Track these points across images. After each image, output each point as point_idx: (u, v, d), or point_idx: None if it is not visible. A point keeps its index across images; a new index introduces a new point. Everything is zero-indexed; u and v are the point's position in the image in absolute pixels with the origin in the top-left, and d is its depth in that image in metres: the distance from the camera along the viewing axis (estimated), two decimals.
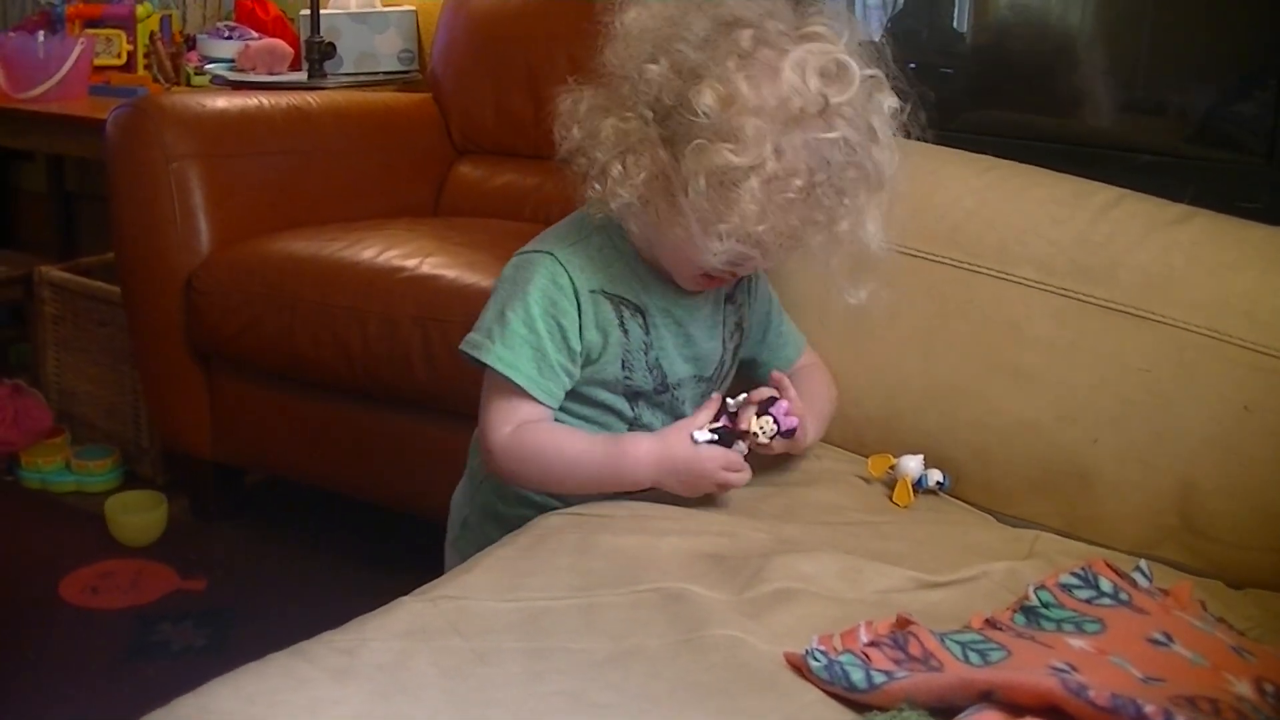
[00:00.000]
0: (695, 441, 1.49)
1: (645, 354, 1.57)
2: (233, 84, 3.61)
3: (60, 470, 3.21)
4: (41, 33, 3.82)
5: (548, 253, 1.54)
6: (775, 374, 1.58)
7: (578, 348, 1.53)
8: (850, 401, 1.76)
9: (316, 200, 3.02)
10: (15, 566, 2.80)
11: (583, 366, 1.55)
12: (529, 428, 1.53)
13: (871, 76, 1.41)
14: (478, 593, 1.31)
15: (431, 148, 3.36)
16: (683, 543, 1.43)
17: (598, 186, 1.45)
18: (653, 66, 1.40)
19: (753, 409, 1.53)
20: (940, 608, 1.35)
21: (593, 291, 1.53)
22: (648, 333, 1.57)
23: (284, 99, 3.10)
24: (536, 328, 1.51)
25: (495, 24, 3.35)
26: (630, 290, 1.55)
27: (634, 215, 1.46)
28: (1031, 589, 1.36)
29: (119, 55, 3.94)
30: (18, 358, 3.80)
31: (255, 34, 3.91)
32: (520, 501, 1.63)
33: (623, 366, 1.57)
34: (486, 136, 3.35)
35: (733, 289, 1.64)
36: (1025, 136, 2.18)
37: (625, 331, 1.55)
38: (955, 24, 2.48)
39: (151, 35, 3.91)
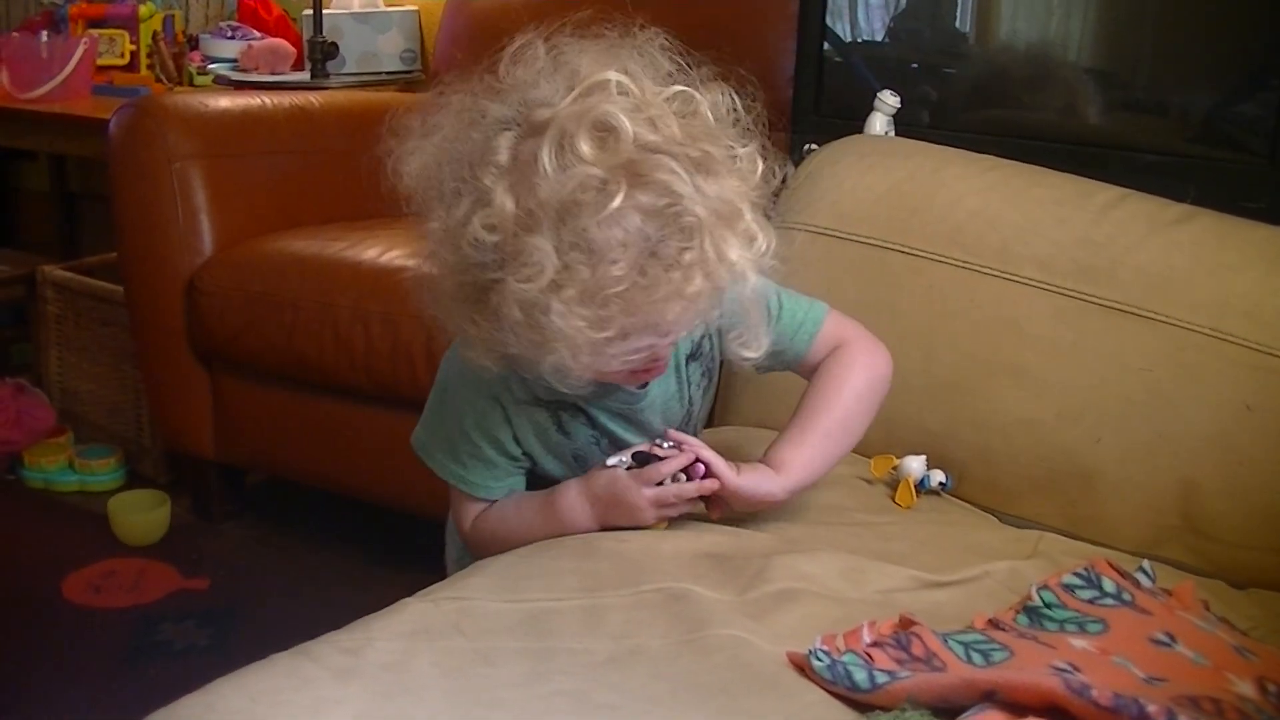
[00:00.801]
0: (607, 466, 1.44)
1: (597, 444, 1.50)
2: (235, 84, 3.61)
3: (63, 470, 3.22)
4: (44, 32, 3.82)
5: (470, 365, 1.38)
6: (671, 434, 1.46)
7: (518, 452, 1.50)
8: None
9: (319, 200, 3.02)
10: (18, 566, 2.81)
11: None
12: (483, 516, 1.54)
13: (675, 95, 1.27)
14: (480, 593, 1.31)
15: None
16: (685, 543, 1.44)
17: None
18: (433, 224, 1.29)
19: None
20: (943, 608, 1.35)
21: (521, 403, 1.46)
22: (593, 427, 1.49)
23: (286, 99, 3.10)
24: (473, 439, 1.48)
25: (498, 24, 3.33)
26: (562, 393, 1.37)
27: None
28: (1034, 589, 1.36)
29: (122, 55, 3.95)
30: (20, 357, 3.81)
31: (258, 34, 3.91)
32: None
33: (575, 460, 1.51)
34: None
35: (696, 345, 1.51)
36: (1027, 136, 2.18)
37: (566, 434, 1.49)
38: (957, 24, 2.48)
39: (154, 35, 3.92)
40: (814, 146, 2.07)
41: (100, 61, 3.85)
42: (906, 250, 1.79)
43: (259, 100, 3.06)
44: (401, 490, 2.60)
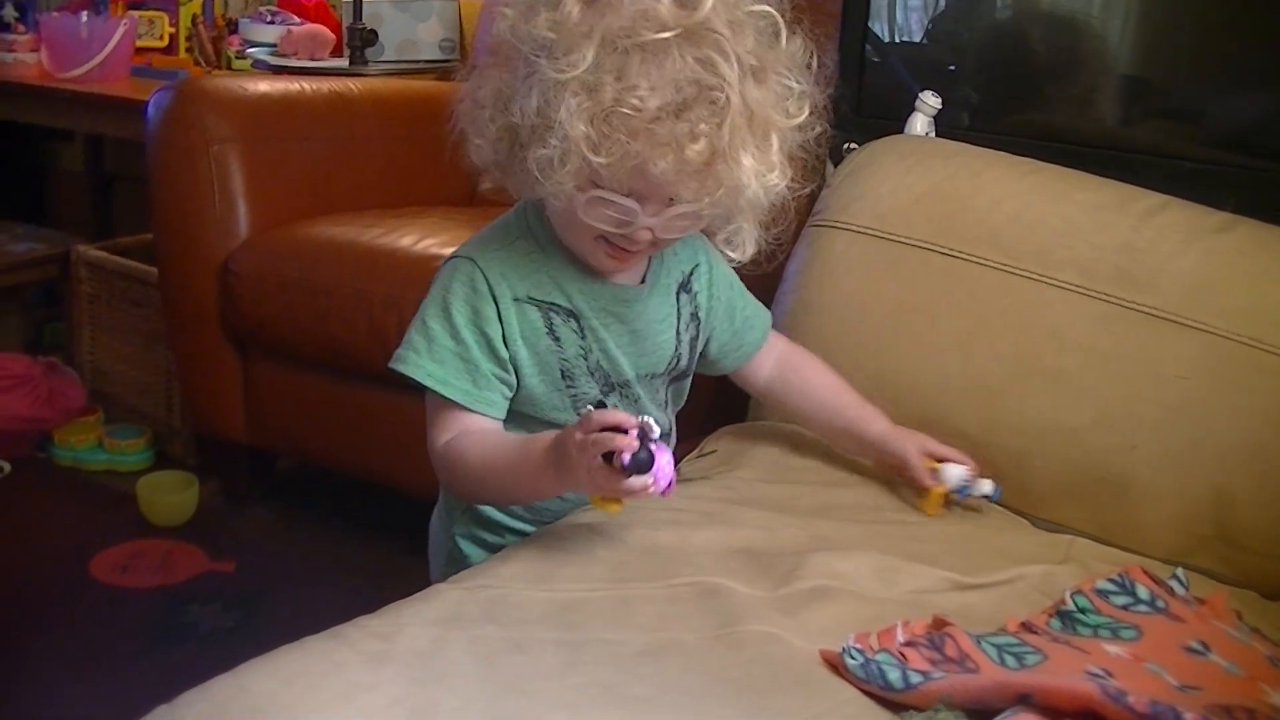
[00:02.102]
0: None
1: (585, 359, 1.48)
2: (274, 69, 3.62)
3: (93, 449, 3.22)
4: (84, 13, 3.83)
5: (468, 258, 1.45)
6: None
7: (505, 356, 1.45)
8: (888, 401, 1.76)
9: (355, 187, 3.03)
10: (47, 544, 2.81)
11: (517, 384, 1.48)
12: (461, 438, 1.45)
13: (763, 14, 1.33)
14: (514, 582, 1.31)
15: None
16: (718, 537, 1.44)
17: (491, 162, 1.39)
18: (502, 25, 1.34)
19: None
20: (975, 610, 1.35)
21: (516, 300, 1.44)
22: (583, 337, 1.47)
23: (325, 85, 3.10)
24: (462, 338, 1.44)
25: None
26: (559, 294, 1.45)
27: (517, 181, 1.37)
28: (1068, 594, 1.36)
29: (161, 37, 3.96)
30: (52, 336, 3.82)
31: (297, 19, 3.91)
32: (504, 529, 1.58)
33: (563, 376, 1.48)
34: None
35: (685, 277, 1.54)
36: (1068, 141, 2.17)
37: (557, 339, 1.46)
38: (998, 26, 2.47)
39: (194, 18, 3.92)
40: (854, 146, 2.06)
41: (139, 43, 3.86)
42: (946, 252, 1.79)
43: (297, 86, 3.06)
44: (432, 479, 2.60)
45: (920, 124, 2.15)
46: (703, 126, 1.26)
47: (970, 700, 1.12)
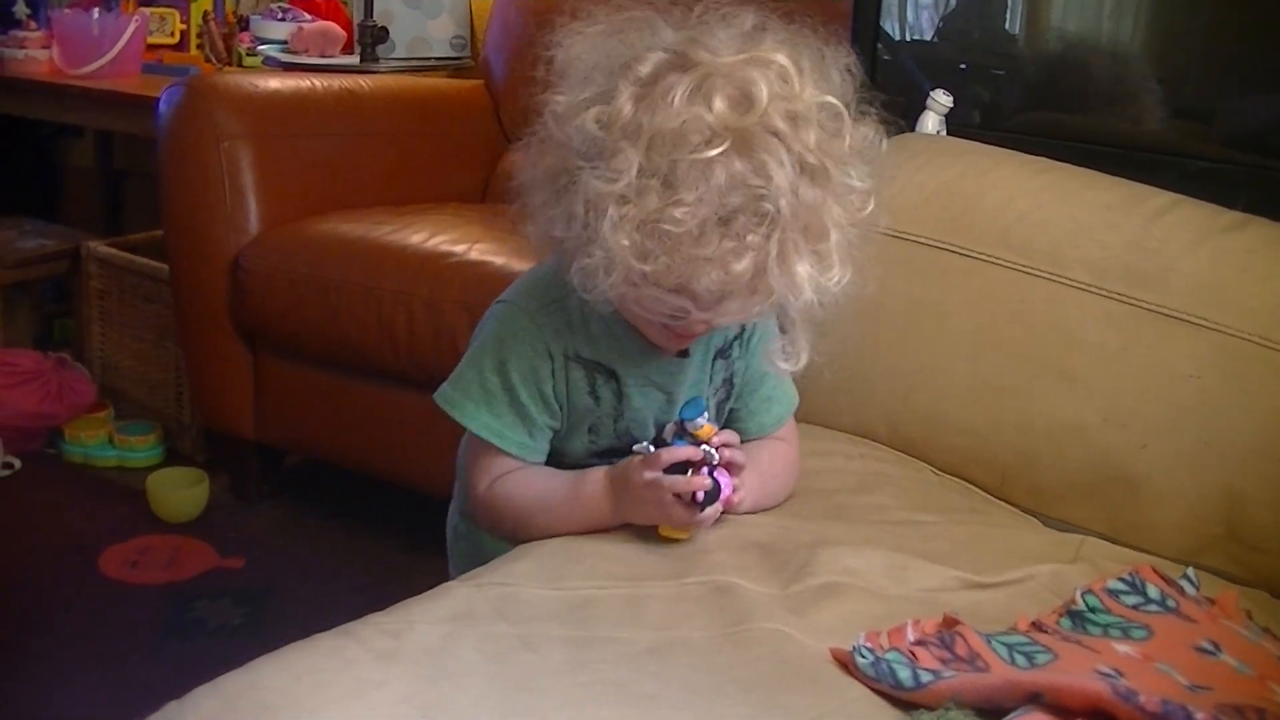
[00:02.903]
0: (634, 452, 1.41)
1: (615, 422, 1.49)
2: (285, 65, 3.62)
3: (102, 445, 3.23)
4: (96, 10, 3.84)
5: (525, 312, 1.45)
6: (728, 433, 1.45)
7: (558, 409, 1.47)
8: (899, 399, 1.76)
9: (365, 184, 3.03)
10: (56, 539, 2.82)
11: None
12: (506, 480, 1.49)
13: (827, 105, 1.28)
14: (524, 580, 1.31)
15: (482, 134, 3.36)
16: (728, 534, 1.44)
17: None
18: (559, 99, 1.30)
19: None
20: (986, 608, 1.35)
21: (568, 358, 1.45)
22: (620, 400, 1.48)
23: (336, 82, 3.10)
24: (519, 397, 1.45)
25: (548, 12, 3.32)
26: (604, 354, 1.46)
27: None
28: (1078, 593, 1.35)
29: (172, 34, 3.96)
30: (62, 332, 3.82)
31: (308, 16, 3.91)
32: None
33: (589, 431, 1.50)
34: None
35: (727, 344, 1.51)
36: (1079, 139, 2.17)
37: (596, 399, 1.48)
38: (1009, 25, 2.47)
39: (205, 15, 3.93)
40: None
41: (150, 40, 3.86)
42: (957, 250, 1.79)
43: (308, 82, 3.06)
44: (441, 476, 2.60)
45: (931, 122, 2.15)
46: (751, 238, 1.22)
47: (980, 699, 1.12)
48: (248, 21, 3.98)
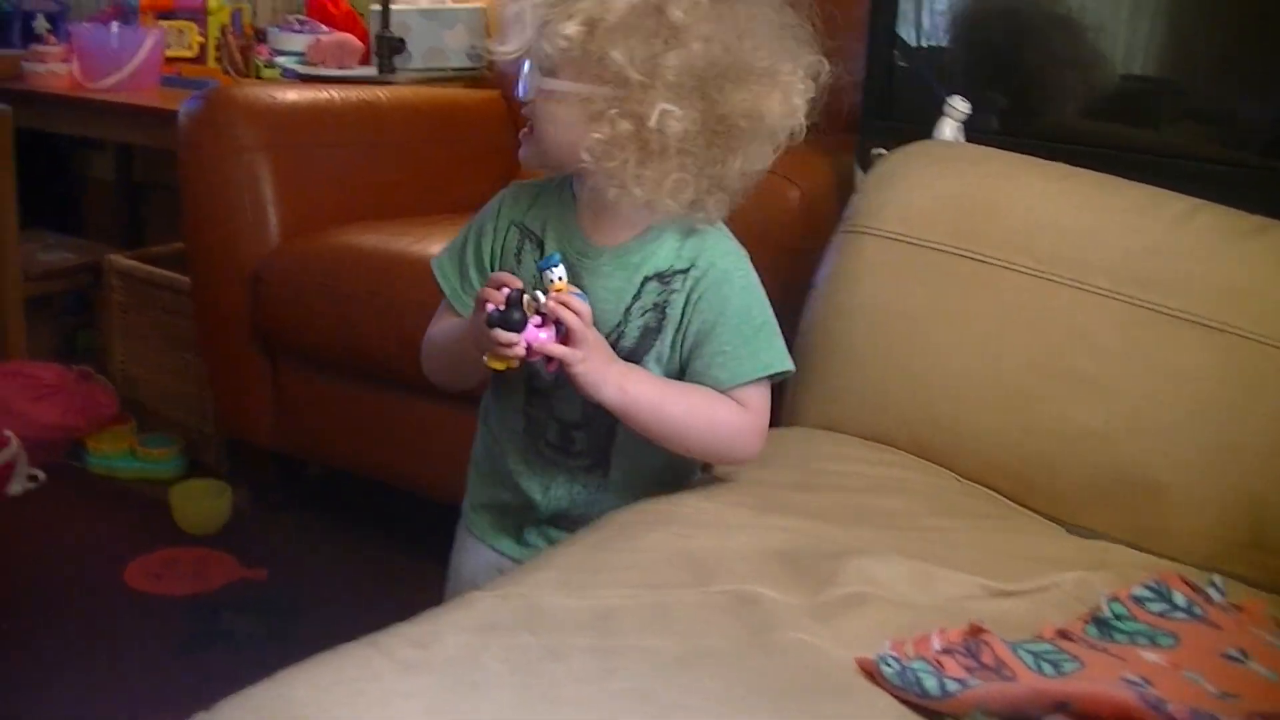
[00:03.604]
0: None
1: (533, 288, 1.48)
2: (303, 77, 3.63)
3: (125, 457, 3.24)
4: (115, 24, 3.85)
5: (510, 186, 1.61)
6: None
7: (488, 267, 1.58)
8: (919, 406, 1.76)
9: (384, 194, 3.04)
10: (81, 551, 2.83)
11: None
12: (435, 323, 1.67)
13: None
14: (548, 589, 1.31)
15: (498, 144, 3.35)
16: (752, 542, 1.44)
17: None
18: None
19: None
20: (1011, 617, 1.35)
21: (512, 222, 1.58)
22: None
23: (353, 93, 3.11)
24: (466, 247, 1.61)
25: None
26: (539, 223, 1.56)
27: None
28: (1104, 600, 1.35)
29: (190, 47, 3.97)
30: (84, 344, 3.84)
31: (325, 28, 3.92)
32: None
33: None
34: None
35: (669, 271, 1.51)
36: (1098, 144, 2.16)
37: (519, 263, 1.56)
38: (1026, 30, 2.46)
39: (223, 28, 3.94)
40: (883, 152, 2.06)
41: (169, 53, 3.87)
42: (976, 257, 1.79)
43: (326, 94, 3.07)
44: (463, 484, 2.61)
45: (949, 129, 2.15)
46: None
47: (1007, 708, 1.12)
48: (265, 34, 3.99)
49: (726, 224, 1.54)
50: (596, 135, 1.41)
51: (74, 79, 3.79)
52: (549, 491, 1.63)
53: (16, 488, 3.10)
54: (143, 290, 3.35)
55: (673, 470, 1.61)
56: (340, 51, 3.73)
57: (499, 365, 1.45)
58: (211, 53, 3.96)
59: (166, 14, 4.02)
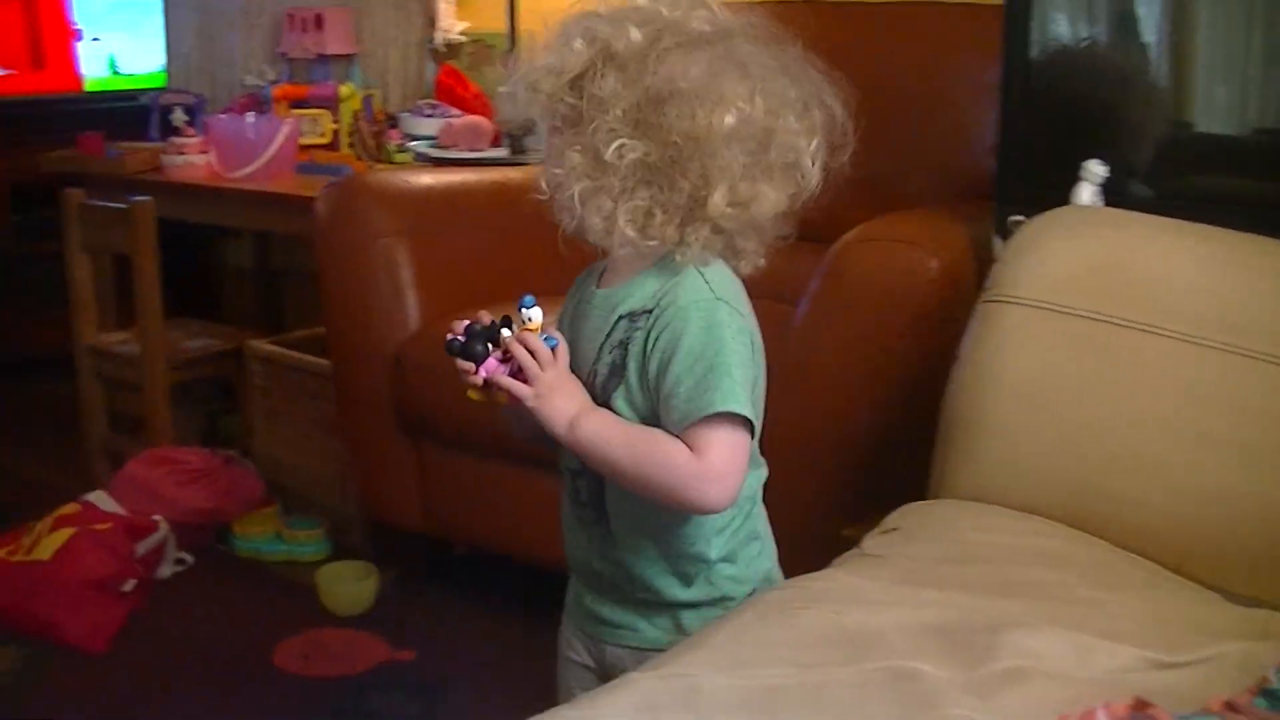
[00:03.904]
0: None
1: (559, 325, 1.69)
2: (435, 161, 3.68)
3: (271, 540, 3.28)
4: (250, 114, 3.94)
5: None
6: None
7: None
8: (1066, 474, 1.73)
9: (522, 275, 3.03)
10: (229, 633, 2.88)
11: None
12: None
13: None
14: (705, 669, 1.31)
15: None
16: (905, 617, 1.43)
17: None
18: None
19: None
20: (1176, 689, 1.32)
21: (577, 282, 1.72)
22: (572, 308, 1.70)
23: (486, 175, 3.15)
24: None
25: None
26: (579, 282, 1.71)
27: None
28: (1272, 672, 1.32)
29: (324, 134, 4.05)
30: (227, 429, 3.89)
31: (456, 111, 3.98)
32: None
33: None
34: None
35: (641, 310, 1.54)
36: (1242, 204, 2.13)
37: (566, 310, 1.72)
38: (1163, 92, 2.44)
39: (355, 114, 4.01)
40: (1021, 219, 2.04)
41: (303, 141, 3.95)
42: (1123, 323, 1.77)
43: (459, 177, 3.12)
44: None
45: (1087, 193, 2.13)
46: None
47: None
48: (397, 119, 4.06)
49: (753, 271, 1.59)
50: (556, 170, 1.53)
51: (212, 169, 3.89)
52: (575, 552, 1.70)
53: (166, 571, 3.15)
54: (284, 375, 3.40)
55: (668, 526, 1.58)
56: (472, 134, 3.78)
57: (472, 395, 1.60)
58: (345, 139, 4.03)
59: (300, 103, 4.11)
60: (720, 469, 1.48)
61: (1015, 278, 1.87)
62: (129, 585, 2.98)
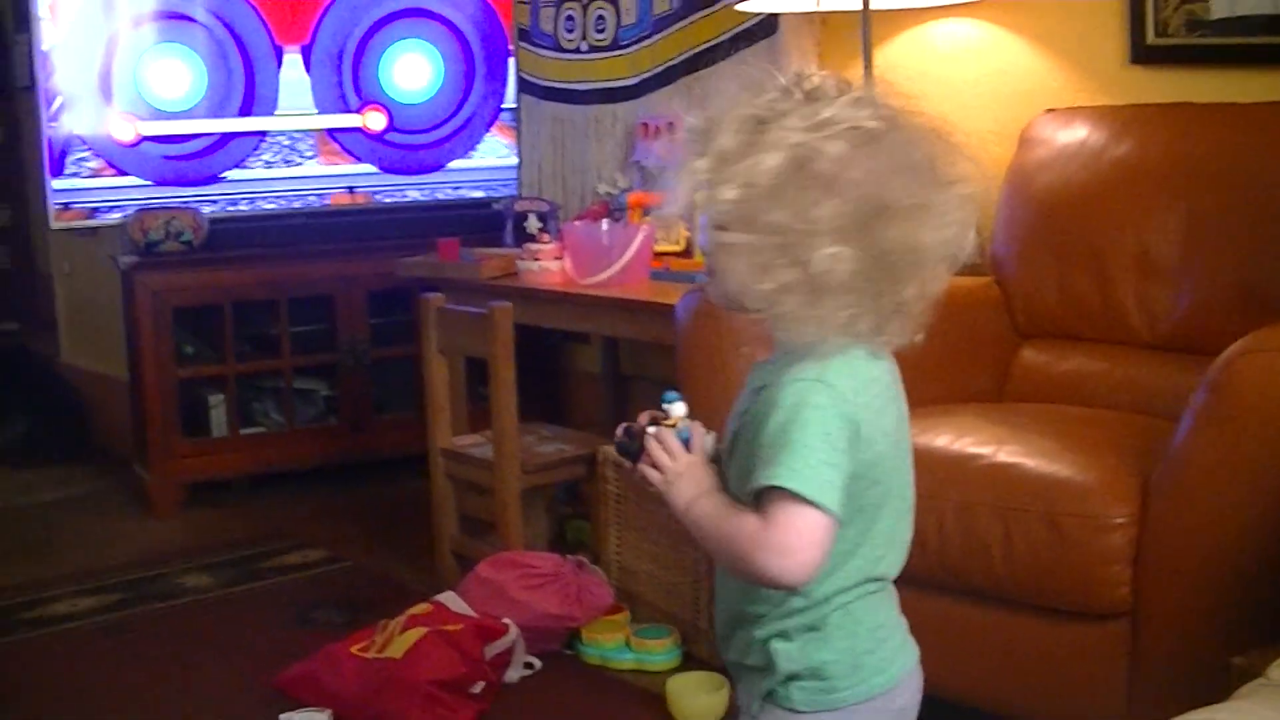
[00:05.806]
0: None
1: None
2: None
3: (620, 648, 3.26)
4: (605, 221, 3.98)
5: None
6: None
7: None
8: None
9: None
10: None
11: None
12: None
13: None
14: None
15: (994, 331, 3.27)
16: None
17: None
18: None
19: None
20: None
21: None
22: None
23: None
24: None
25: (1057, 204, 3.23)
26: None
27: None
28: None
29: (677, 241, 4.06)
30: (574, 534, 3.91)
31: None
32: None
33: None
34: (1050, 320, 3.22)
35: (769, 385, 1.58)
36: None
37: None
38: None
39: None
40: None
41: (657, 248, 3.97)
42: None
43: None
44: (977, 686, 2.51)
45: None
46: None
47: None
48: None
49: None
50: (765, 285, 1.50)
51: (566, 275, 3.94)
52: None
53: (514, 675, 3.16)
54: (635, 481, 3.39)
55: (745, 598, 1.65)
56: None
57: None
58: (698, 246, 4.03)
59: (653, 209, 4.13)
60: (782, 542, 1.53)
61: None
62: (478, 687, 3.00)
